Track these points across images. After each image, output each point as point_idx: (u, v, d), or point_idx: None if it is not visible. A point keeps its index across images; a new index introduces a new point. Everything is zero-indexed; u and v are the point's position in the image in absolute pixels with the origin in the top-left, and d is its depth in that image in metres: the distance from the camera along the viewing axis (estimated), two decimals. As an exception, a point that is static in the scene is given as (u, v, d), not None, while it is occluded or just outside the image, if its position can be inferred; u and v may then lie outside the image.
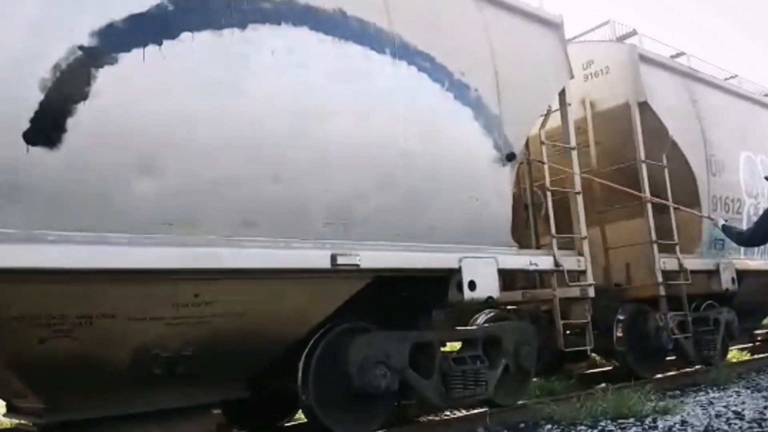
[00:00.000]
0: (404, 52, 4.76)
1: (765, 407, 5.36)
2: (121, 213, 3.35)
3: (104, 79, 3.33)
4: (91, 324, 3.36)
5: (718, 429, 4.59)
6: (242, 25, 3.88)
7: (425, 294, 5.01)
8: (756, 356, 9.72)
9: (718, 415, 5.17)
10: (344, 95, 4.35)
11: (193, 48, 3.67)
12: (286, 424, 5.63)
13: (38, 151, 3.13)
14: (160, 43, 3.55)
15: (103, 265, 3.28)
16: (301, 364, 4.39)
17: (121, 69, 3.39)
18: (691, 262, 7.21)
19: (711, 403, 5.90)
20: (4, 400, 4.12)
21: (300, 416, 5.49)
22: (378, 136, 4.51)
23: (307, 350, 4.42)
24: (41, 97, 3.15)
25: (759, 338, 11.35)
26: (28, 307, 3.22)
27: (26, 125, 3.10)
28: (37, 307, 3.23)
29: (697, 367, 7.71)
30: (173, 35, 3.60)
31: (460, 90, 5.10)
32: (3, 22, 3.12)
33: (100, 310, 3.38)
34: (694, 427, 4.83)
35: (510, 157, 5.28)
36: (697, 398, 6.25)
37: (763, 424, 4.57)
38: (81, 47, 3.29)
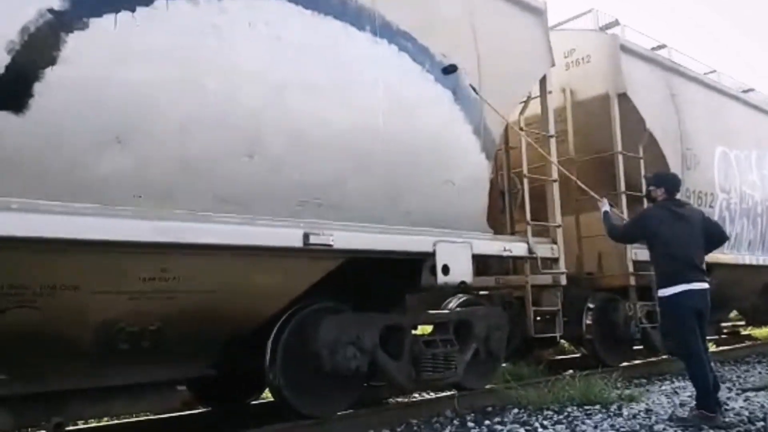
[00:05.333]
0: (385, 30, 4.70)
1: (728, 398, 5.47)
2: (89, 183, 3.27)
3: (74, 44, 3.23)
4: (54, 295, 3.28)
5: (681, 418, 4.66)
6: (219, -5, 3.78)
7: (399, 277, 5.00)
8: (722, 348, 9.92)
9: (682, 404, 5.26)
10: (322, 72, 4.28)
11: (168, 16, 3.57)
12: (253, 402, 5.62)
13: (4, 116, 3.03)
14: (133, 10, 3.44)
15: (68, 235, 3.18)
16: (269, 343, 4.36)
17: (91, 35, 3.28)
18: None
19: (676, 392, 6.01)
20: (-37, 370, 4.02)
21: (267, 395, 5.47)
22: (355, 115, 4.46)
23: (276, 329, 4.38)
24: (8, 59, 3.04)
25: (725, 331, 11.59)
26: (-11, 275, 3.13)
27: (-10, 88, 2.99)
28: (-1, 277, 3.15)
29: (664, 356, 7.84)
30: (147, 2, 3.49)
31: (440, 72, 5.05)
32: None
33: (63, 281, 3.30)
34: (658, 415, 4.91)
35: (448, 69, 5.07)
36: (663, 387, 6.37)
37: (725, 414, 4.66)
38: (51, 10, 3.18)
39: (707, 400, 4.53)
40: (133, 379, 3.76)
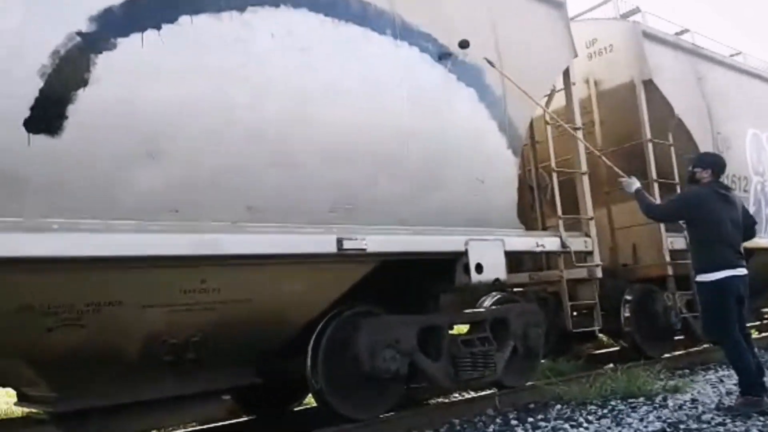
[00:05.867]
0: (406, 32, 4.71)
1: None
2: (125, 200, 3.33)
3: (103, 65, 3.30)
4: (99, 312, 3.35)
5: (728, 407, 4.57)
6: (241, 8, 3.84)
7: (433, 277, 4.99)
8: (765, 334, 9.69)
9: (728, 393, 5.16)
10: (346, 78, 4.31)
11: (193, 32, 3.63)
12: (296, 409, 5.65)
13: (40, 139, 3.10)
14: (159, 28, 3.51)
15: (109, 252, 3.25)
16: (309, 349, 4.38)
17: (120, 54, 3.36)
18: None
19: (721, 381, 5.89)
20: (15, 389, 4.12)
21: (310, 400, 5.50)
22: (380, 119, 4.47)
23: (315, 335, 4.41)
24: (41, 84, 3.12)
25: (766, 317, 11.31)
26: (35, 296, 3.20)
27: (27, 113, 3.07)
28: (44, 296, 3.22)
29: (706, 345, 7.69)
30: (172, 19, 3.56)
31: (463, 71, 5.05)
32: (0, 10, 3.08)
33: (107, 297, 3.37)
34: (705, 404, 4.82)
35: (462, 44, 4.98)
36: (707, 377, 6.24)
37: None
38: (79, 33, 3.26)
39: (751, 385, 4.44)
40: (178, 391, 3.81)
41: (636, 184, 5.06)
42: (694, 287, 6.96)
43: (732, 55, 9.08)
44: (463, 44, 5.00)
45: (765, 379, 4.57)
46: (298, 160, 3.99)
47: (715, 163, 4.86)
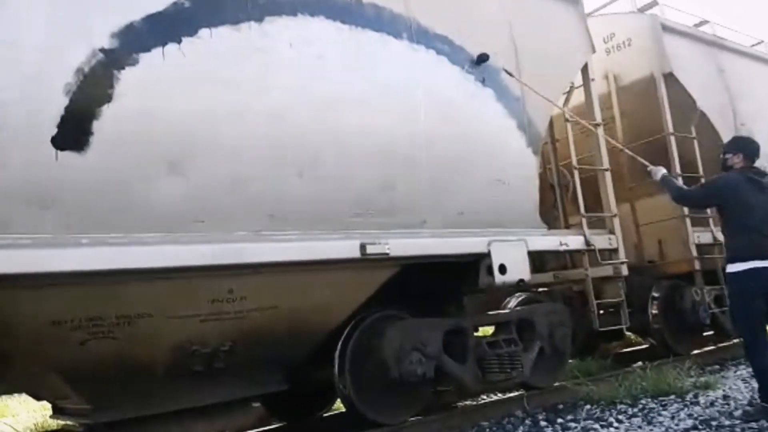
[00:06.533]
0: (422, 36, 4.72)
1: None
2: (151, 212, 3.38)
3: (126, 80, 3.36)
4: (129, 324, 3.40)
5: (746, 410, 4.47)
6: (259, 18, 3.88)
7: (456, 279, 4.98)
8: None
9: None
10: (364, 84, 4.33)
11: (213, 43, 3.67)
12: (325, 415, 5.67)
13: (67, 156, 3.16)
14: (179, 41, 3.56)
15: (137, 264, 3.30)
16: (337, 354, 4.40)
17: (142, 69, 3.41)
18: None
19: (753, 376, 5.77)
20: (49, 402, 4.20)
21: (338, 406, 5.52)
22: (400, 123, 4.49)
23: (342, 340, 4.43)
24: (66, 101, 3.18)
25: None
26: (67, 310, 3.26)
27: (53, 130, 3.13)
28: (76, 310, 3.27)
29: (736, 340, 7.56)
30: (192, 32, 3.61)
31: (480, 72, 5.04)
32: (22, 29, 3.14)
33: (137, 309, 3.41)
34: (737, 401, 4.75)
35: (481, 58, 5.00)
36: (738, 372, 6.14)
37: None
38: (102, 49, 3.32)
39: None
40: (209, 400, 3.85)
41: (662, 170, 4.88)
42: (722, 279, 6.93)
43: (753, 45, 8.95)
44: (483, 57, 5.01)
45: None
46: (319, 167, 4.02)
47: (746, 147, 4.58)
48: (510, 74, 5.18)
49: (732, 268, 4.31)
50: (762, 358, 4.22)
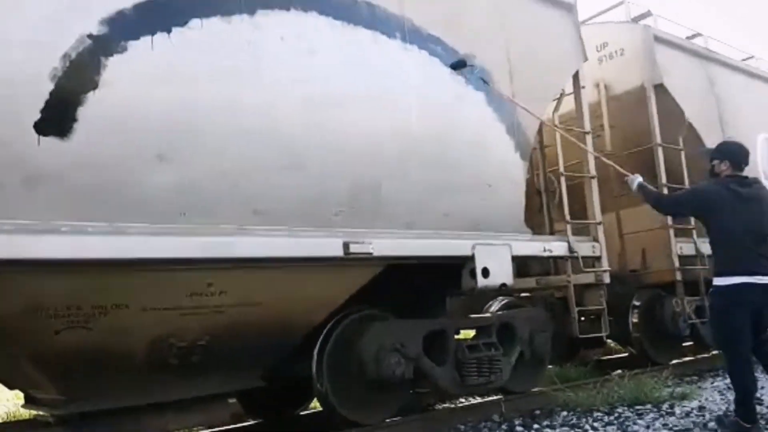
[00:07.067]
0: (415, 36, 4.70)
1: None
2: (134, 203, 3.34)
3: (114, 67, 3.31)
4: (105, 315, 3.36)
5: (720, 419, 4.51)
6: (251, 11, 3.84)
7: (439, 281, 4.98)
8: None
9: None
10: (354, 81, 4.31)
11: (203, 35, 3.63)
12: (302, 413, 5.65)
13: (50, 142, 3.12)
14: (169, 31, 3.52)
15: (116, 255, 3.26)
16: (315, 353, 4.38)
17: (130, 57, 3.37)
18: (708, 247, 7.09)
19: (729, 388, 5.80)
20: (22, 391, 4.14)
21: (315, 404, 5.50)
22: (389, 122, 4.47)
23: (321, 338, 4.41)
24: (51, 87, 3.13)
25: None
26: (43, 298, 3.21)
27: (37, 116, 3.08)
28: (52, 299, 3.23)
29: (715, 352, 7.63)
30: (182, 22, 3.57)
31: (471, 75, 5.03)
32: (12, 13, 3.10)
33: (114, 300, 3.37)
34: (712, 412, 4.78)
35: (458, 65, 4.89)
36: (715, 384, 6.20)
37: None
38: (90, 36, 3.27)
39: (745, 409, 4.10)
40: (185, 394, 3.82)
41: (639, 178, 4.73)
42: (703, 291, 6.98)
43: (744, 59, 9.02)
44: (459, 64, 4.90)
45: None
46: (306, 163, 3.99)
47: (732, 153, 4.37)
48: (485, 82, 5.08)
49: (719, 281, 4.16)
50: (742, 375, 4.12)
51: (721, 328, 4.24)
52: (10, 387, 4.35)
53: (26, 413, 4.27)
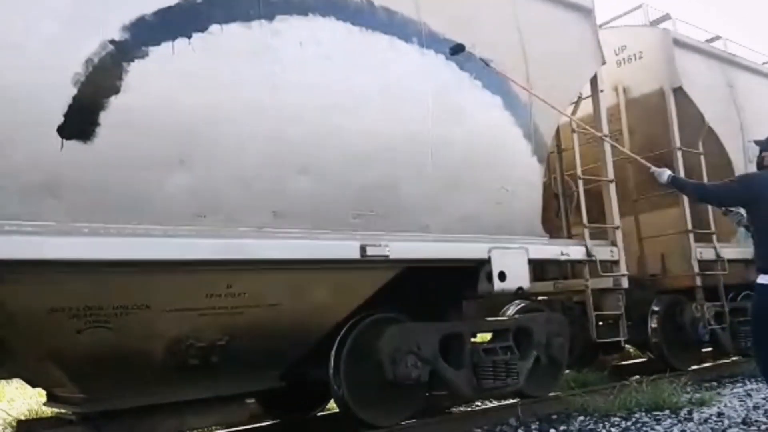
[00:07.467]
0: (432, 40, 4.72)
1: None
2: (154, 205, 3.40)
3: (135, 72, 3.37)
4: (127, 315, 3.41)
5: (756, 421, 4.49)
6: (270, 17, 3.89)
7: (455, 284, 4.98)
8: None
9: (756, 407, 5.06)
10: (372, 86, 4.34)
11: (223, 40, 3.69)
12: (319, 414, 5.68)
13: (73, 145, 3.18)
14: (189, 36, 3.57)
15: (137, 256, 3.32)
16: (332, 354, 4.41)
17: (151, 62, 3.42)
18: (728, 251, 7.04)
19: (749, 394, 5.77)
20: (44, 389, 4.22)
21: (332, 406, 5.52)
22: (406, 127, 4.49)
23: (338, 340, 4.44)
24: (74, 91, 3.19)
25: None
26: (66, 298, 3.27)
27: (60, 120, 3.15)
28: (75, 299, 3.29)
29: (734, 358, 7.55)
30: (202, 28, 3.62)
31: (489, 78, 5.04)
32: (35, 18, 3.16)
33: (135, 300, 3.43)
34: (731, 419, 4.73)
35: (456, 50, 4.78)
36: (734, 390, 6.12)
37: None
38: (112, 41, 3.33)
39: None
40: (203, 394, 3.85)
41: (667, 171, 4.51)
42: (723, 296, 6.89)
43: (765, 63, 8.92)
44: (457, 49, 4.76)
45: None
46: (324, 166, 4.03)
47: None
48: (487, 63, 4.92)
49: (764, 279, 3.90)
50: None
51: (760, 327, 4.00)
52: (33, 385, 4.44)
53: (48, 411, 4.33)
